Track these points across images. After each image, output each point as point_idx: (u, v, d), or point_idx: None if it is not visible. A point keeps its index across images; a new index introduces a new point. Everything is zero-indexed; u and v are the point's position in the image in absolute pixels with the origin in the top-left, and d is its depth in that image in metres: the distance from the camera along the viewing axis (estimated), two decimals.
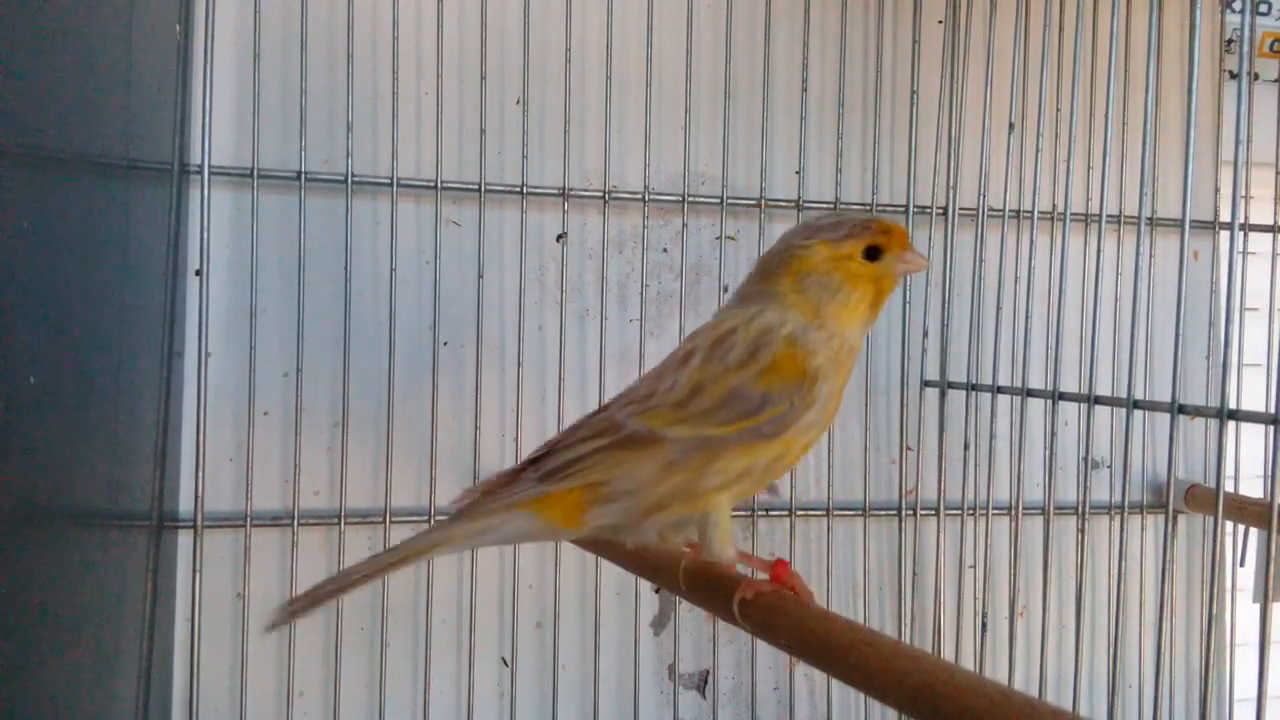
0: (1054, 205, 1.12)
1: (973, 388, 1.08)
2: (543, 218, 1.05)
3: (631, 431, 0.57)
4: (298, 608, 0.60)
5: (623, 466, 0.57)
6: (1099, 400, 0.91)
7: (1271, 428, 0.77)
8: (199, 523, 0.93)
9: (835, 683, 1.06)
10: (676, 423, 0.57)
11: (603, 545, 0.79)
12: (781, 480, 1.08)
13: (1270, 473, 0.76)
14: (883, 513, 1.13)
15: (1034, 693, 0.90)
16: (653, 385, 0.60)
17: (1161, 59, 1.18)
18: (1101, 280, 0.96)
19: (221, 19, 0.95)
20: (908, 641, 1.07)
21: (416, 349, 1.01)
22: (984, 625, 1.08)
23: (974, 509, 1.10)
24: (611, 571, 1.01)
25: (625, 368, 1.06)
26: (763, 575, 0.60)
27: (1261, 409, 0.80)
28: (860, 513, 1.12)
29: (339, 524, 0.97)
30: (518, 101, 1.04)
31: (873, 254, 0.59)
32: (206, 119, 0.92)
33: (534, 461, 0.61)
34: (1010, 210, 1.08)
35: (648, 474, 0.57)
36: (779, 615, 0.58)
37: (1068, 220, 0.99)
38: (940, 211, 1.13)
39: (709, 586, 0.63)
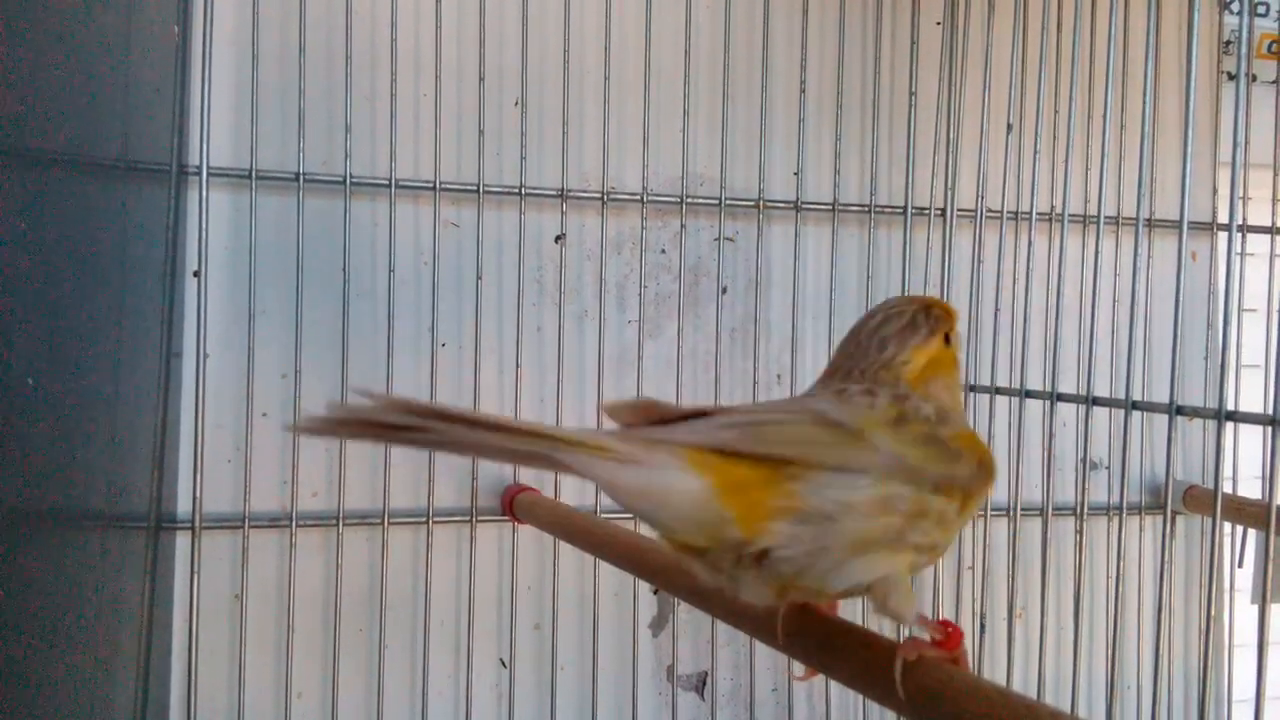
0: (1052, 206, 1.12)
1: (971, 389, 1.08)
2: (541, 219, 1.05)
3: (836, 419, 0.49)
4: (346, 419, 0.41)
5: (830, 450, 0.48)
6: (1097, 401, 0.91)
7: (1269, 429, 0.76)
8: (197, 524, 0.93)
9: (834, 684, 1.06)
10: (887, 433, 0.50)
11: (603, 547, 0.79)
12: None
13: (1268, 474, 0.76)
14: None
15: (1032, 694, 0.90)
16: (836, 399, 0.52)
17: (1159, 60, 1.19)
18: (1099, 281, 0.96)
19: (220, 20, 0.95)
20: None
21: (415, 350, 1.01)
22: (982, 626, 1.08)
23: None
24: (610, 573, 1.01)
25: (624, 369, 1.06)
26: (925, 636, 0.51)
27: (1260, 410, 0.80)
28: None
29: (338, 525, 0.97)
30: (516, 103, 1.04)
31: (946, 338, 0.57)
32: (205, 120, 0.92)
33: (699, 417, 0.48)
34: (1008, 211, 1.08)
35: (864, 497, 0.48)
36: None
37: (1066, 221, 0.99)
38: (938, 212, 1.13)
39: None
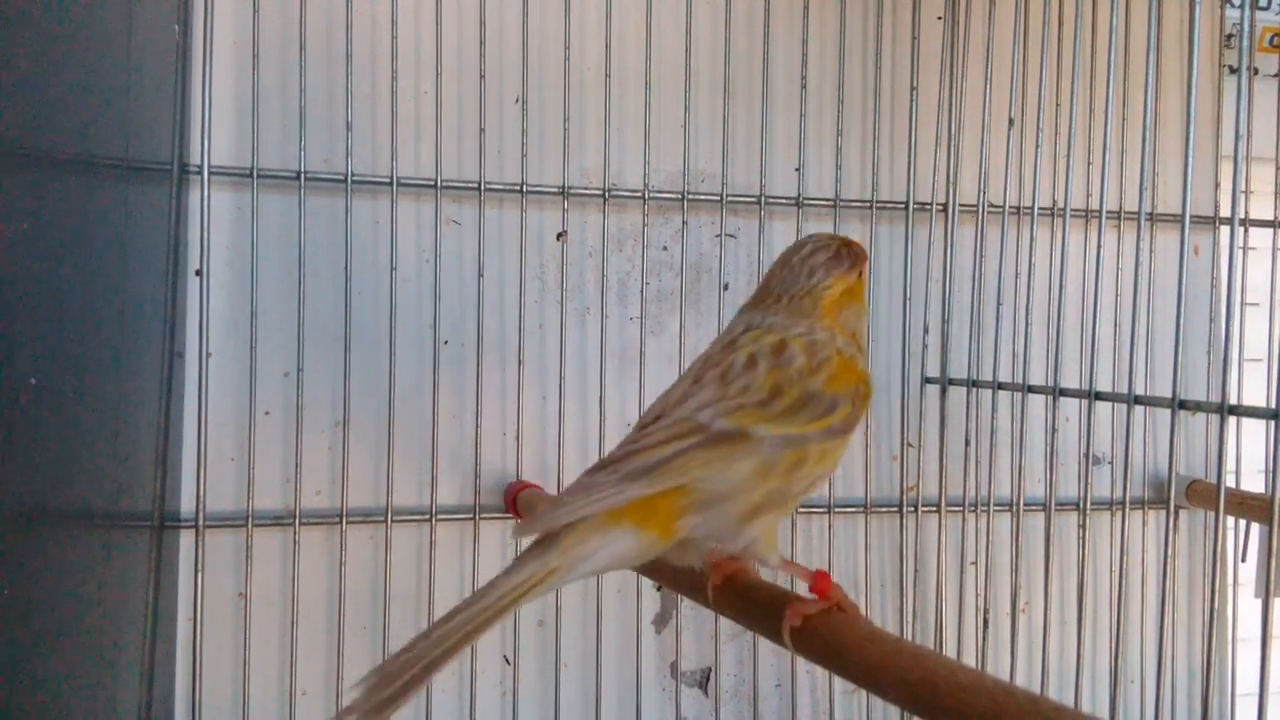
0: (1054, 201, 1.12)
1: (973, 384, 1.08)
2: (543, 216, 1.05)
3: (721, 430, 0.57)
4: (391, 696, 0.49)
5: (714, 465, 0.57)
6: (1100, 396, 0.91)
7: (1272, 423, 0.76)
8: (200, 523, 0.93)
9: (837, 679, 1.06)
10: (764, 421, 0.58)
11: None
12: None
13: (1272, 467, 0.76)
14: (884, 510, 1.13)
15: (1036, 689, 0.90)
16: (723, 390, 0.60)
17: (1161, 54, 1.18)
18: (1102, 276, 0.96)
19: (220, 19, 0.95)
20: (909, 638, 1.07)
21: (417, 348, 1.01)
22: (986, 621, 1.08)
23: (975, 505, 1.10)
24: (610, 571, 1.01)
25: (625, 366, 1.06)
26: (803, 585, 0.60)
27: (1262, 404, 0.80)
28: (862, 510, 1.12)
29: (340, 523, 0.97)
30: (517, 100, 1.04)
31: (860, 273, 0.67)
32: (206, 119, 0.92)
33: (604, 468, 0.57)
34: (1010, 206, 1.08)
35: (744, 476, 0.57)
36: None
37: (1068, 216, 0.99)
38: (940, 208, 1.13)
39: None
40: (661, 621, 1.09)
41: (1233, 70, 1.24)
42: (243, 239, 0.97)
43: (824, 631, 0.56)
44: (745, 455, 0.57)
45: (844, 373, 0.61)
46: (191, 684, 0.93)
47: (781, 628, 0.58)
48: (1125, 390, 0.89)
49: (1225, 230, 1.21)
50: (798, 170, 1.10)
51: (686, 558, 0.61)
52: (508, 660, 1.03)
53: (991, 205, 1.09)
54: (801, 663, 1.09)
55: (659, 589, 1.08)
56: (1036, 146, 1.00)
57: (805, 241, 0.67)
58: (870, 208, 1.11)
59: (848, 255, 0.66)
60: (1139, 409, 0.90)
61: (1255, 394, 1.17)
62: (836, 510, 1.11)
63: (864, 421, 1.12)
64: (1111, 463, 1.19)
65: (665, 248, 1.09)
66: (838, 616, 0.57)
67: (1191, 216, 0.83)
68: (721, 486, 0.57)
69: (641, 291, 1.06)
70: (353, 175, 0.97)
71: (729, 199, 1.07)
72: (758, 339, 0.62)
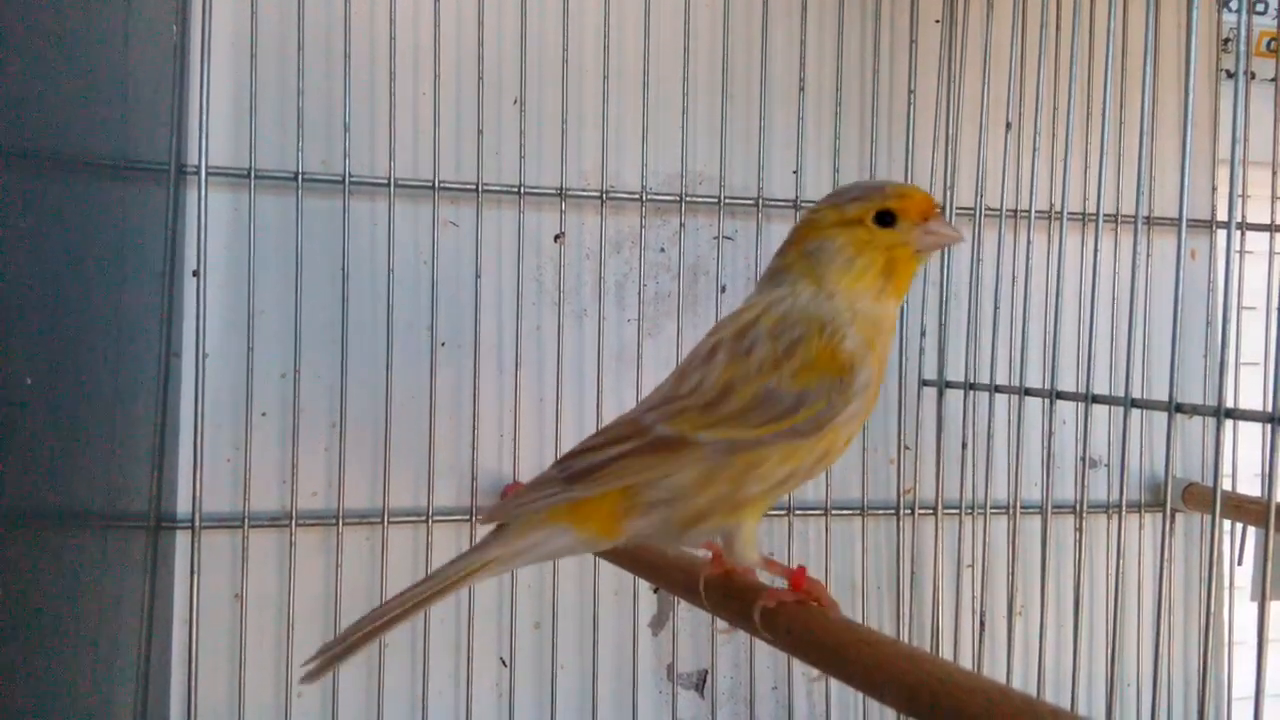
0: (1051, 204, 1.13)
1: (970, 387, 1.08)
2: (540, 218, 1.05)
3: (659, 436, 0.55)
4: (337, 654, 0.57)
5: (653, 470, 0.55)
6: (1096, 399, 0.92)
7: (1269, 426, 0.77)
8: (197, 523, 0.93)
9: (834, 682, 1.06)
10: (706, 426, 0.54)
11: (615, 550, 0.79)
12: None
13: (1268, 471, 0.76)
14: (881, 512, 1.13)
15: (1032, 691, 0.90)
16: (676, 385, 0.57)
17: (1158, 58, 1.19)
18: (1099, 279, 0.96)
19: (218, 19, 0.95)
20: (906, 640, 1.07)
21: (414, 349, 1.01)
22: (982, 624, 1.08)
23: (972, 508, 1.10)
24: (610, 572, 1.01)
25: (623, 367, 1.06)
26: (783, 583, 0.59)
27: (1259, 407, 0.80)
28: (858, 512, 1.12)
29: (337, 524, 0.97)
30: (515, 102, 1.04)
31: (885, 219, 0.57)
32: (203, 120, 0.92)
33: (557, 464, 0.58)
34: (1007, 209, 1.08)
35: (687, 481, 0.55)
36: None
37: (1065, 219, 0.99)
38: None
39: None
40: (658, 624, 1.09)
41: (1230, 74, 1.24)
42: (240, 240, 0.97)
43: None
44: (685, 463, 0.54)
45: (820, 361, 0.54)
46: (187, 685, 0.92)
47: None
48: (1122, 393, 0.89)
49: (1222, 234, 1.21)
50: (795, 173, 1.10)
51: (678, 545, 0.61)
52: (504, 662, 1.03)
53: (989, 208, 1.09)
54: (798, 665, 1.09)
55: (656, 591, 1.08)
56: (1034, 150, 1.00)
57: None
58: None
59: (864, 188, 0.57)
60: (1135, 412, 0.90)
61: (1251, 397, 1.17)
62: (833, 512, 1.11)
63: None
64: (1108, 466, 1.19)
65: (663, 250, 1.09)
66: (811, 608, 0.57)
67: (1188, 220, 0.83)
68: (662, 493, 0.55)
69: (639, 293, 1.06)
70: (350, 176, 0.97)
71: (727, 201, 1.07)
72: (736, 317, 0.58)
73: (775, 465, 0.54)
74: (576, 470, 0.56)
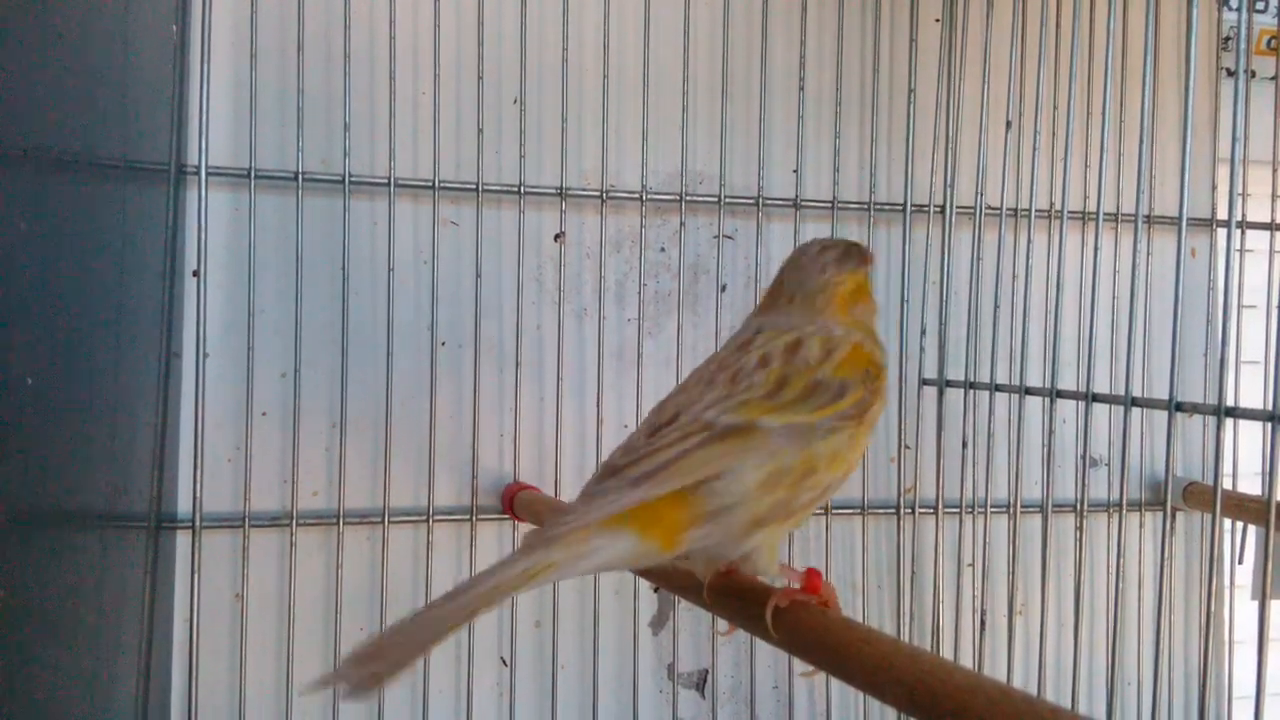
0: (1051, 203, 1.12)
1: (971, 386, 1.08)
2: (540, 217, 1.05)
3: (727, 424, 0.57)
4: (382, 672, 0.50)
5: (721, 462, 0.56)
6: (1097, 398, 0.91)
7: (1269, 425, 0.77)
8: (197, 523, 0.93)
9: (834, 681, 1.06)
10: (769, 412, 0.57)
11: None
12: None
13: (1268, 470, 0.76)
14: (881, 511, 1.14)
15: (1033, 691, 0.90)
16: (731, 388, 0.60)
17: (1158, 56, 1.19)
18: (1099, 278, 0.96)
19: (218, 19, 0.95)
20: (907, 639, 1.07)
21: (414, 349, 1.01)
22: (983, 623, 1.08)
23: (972, 507, 1.10)
24: (610, 571, 1.01)
25: (623, 367, 1.06)
26: (796, 585, 0.60)
27: (1259, 406, 0.80)
28: (859, 511, 1.12)
29: (338, 524, 0.97)
30: (515, 101, 1.04)
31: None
32: (203, 119, 0.92)
33: (614, 474, 0.57)
34: (1008, 208, 1.08)
35: (752, 484, 0.56)
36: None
37: (1065, 218, 0.99)
38: (938, 210, 1.13)
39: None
40: (659, 623, 1.09)
41: (1230, 72, 1.24)
42: (240, 240, 0.97)
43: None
44: (754, 451, 0.56)
45: (854, 357, 0.61)
46: (188, 685, 0.92)
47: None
48: (1122, 392, 0.89)
49: (1222, 233, 1.21)
50: (795, 172, 1.10)
51: (692, 566, 0.62)
52: (505, 662, 1.03)
53: (989, 207, 1.09)
54: (798, 664, 1.09)
55: (656, 590, 1.08)
56: (1034, 148, 1.00)
57: (812, 243, 0.68)
58: (868, 209, 1.11)
59: (856, 254, 0.67)
60: (1136, 411, 0.90)
61: (1252, 396, 1.17)
62: (834, 512, 1.11)
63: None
64: (1109, 465, 1.19)
65: (663, 249, 1.09)
66: (812, 607, 0.58)
67: (1189, 219, 0.83)
68: (727, 498, 0.56)
69: (639, 293, 1.06)
70: (350, 176, 0.97)
71: (727, 200, 1.07)
72: (771, 339, 0.62)
73: (824, 470, 0.58)
74: (640, 474, 0.56)
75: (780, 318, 0.65)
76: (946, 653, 1.09)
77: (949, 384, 1.11)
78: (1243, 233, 1.16)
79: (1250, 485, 1.17)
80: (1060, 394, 0.95)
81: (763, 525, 0.57)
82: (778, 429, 0.57)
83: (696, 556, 0.60)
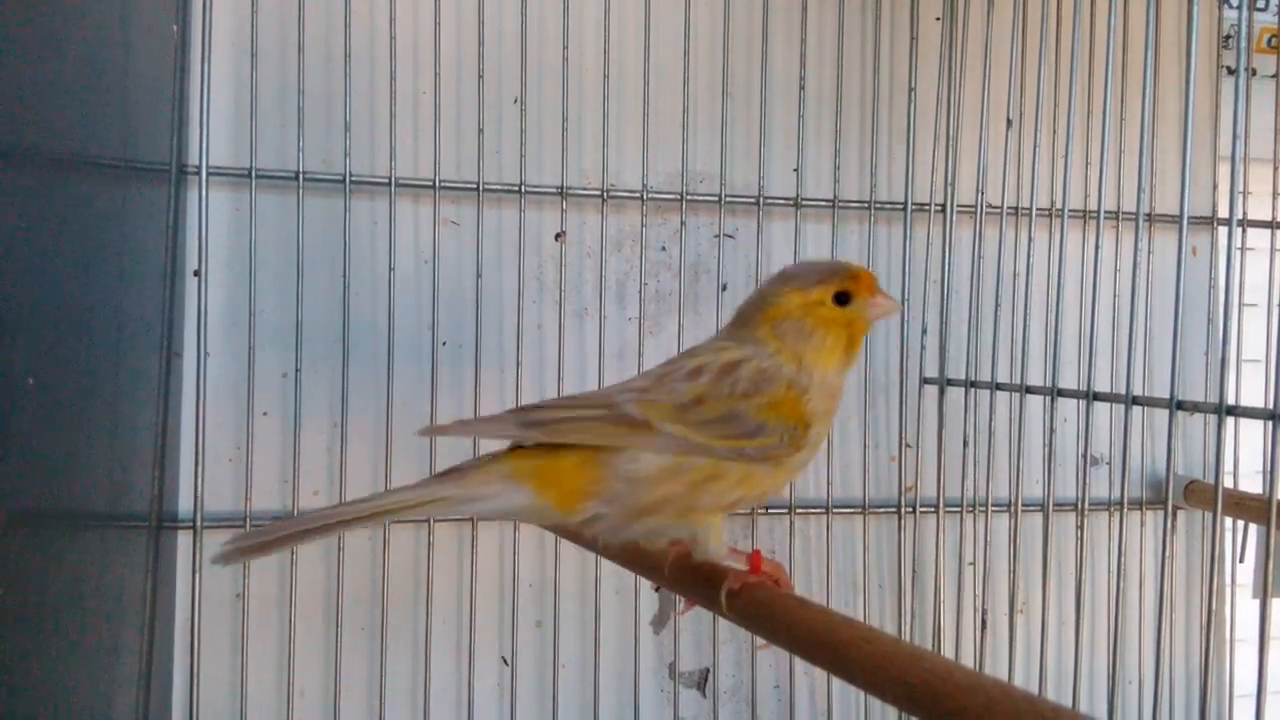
0: (1052, 201, 1.12)
1: (972, 384, 1.08)
2: (541, 217, 1.05)
3: (626, 413, 0.59)
4: (248, 546, 0.56)
5: (609, 439, 0.58)
6: (1098, 396, 0.91)
7: (1270, 423, 0.77)
8: (198, 523, 0.93)
9: (836, 681, 1.06)
10: (670, 420, 0.59)
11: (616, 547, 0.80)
12: None
13: (1269, 468, 0.76)
14: (882, 510, 1.13)
15: (1034, 689, 0.90)
16: (654, 385, 0.61)
17: (1159, 55, 1.19)
18: (1100, 276, 0.96)
19: (219, 19, 0.95)
20: (908, 639, 1.07)
21: (415, 348, 1.01)
22: (984, 622, 1.08)
23: (973, 506, 1.10)
24: (611, 570, 1.01)
25: (624, 366, 1.06)
26: (743, 568, 0.62)
27: (1260, 404, 0.80)
28: (860, 510, 1.12)
29: None
30: (516, 101, 1.04)
31: (842, 299, 0.63)
32: (204, 119, 0.92)
33: (519, 412, 0.61)
34: (1008, 207, 1.08)
35: (651, 470, 0.58)
36: (762, 606, 0.60)
37: (1065, 216, 0.99)
38: (938, 208, 1.13)
39: (695, 579, 0.64)
40: (660, 622, 1.09)
41: (1231, 71, 1.24)
42: (241, 239, 0.97)
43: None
44: (645, 444, 0.58)
45: (784, 405, 0.60)
46: (189, 685, 0.92)
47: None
48: (1123, 391, 0.89)
49: (1223, 231, 1.20)
50: (796, 171, 1.10)
51: (624, 536, 0.63)
52: (506, 661, 1.03)
53: (990, 206, 1.09)
54: (799, 664, 1.09)
55: (657, 590, 1.08)
56: (1035, 147, 1.00)
57: (815, 259, 0.66)
58: (868, 208, 1.11)
59: (818, 275, 0.63)
60: (1137, 409, 0.90)
61: (1253, 395, 1.17)
62: (835, 511, 1.11)
63: (862, 421, 1.12)
64: (1109, 463, 1.19)
65: (664, 248, 1.09)
66: (770, 589, 0.60)
67: (1189, 217, 0.83)
68: (623, 477, 0.58)
69: (640, 292, 1.06)
70: (351, 176, 0.97)
71: (727, 199, 1.07)
72: (715, 353, 0.62)
73: (732, 485, 0.59)
74: (536, 419, 0.59)
75: (733, 330, 0.65)
76: (947, 652, 1.09)
77: (950, 383, 1.11)
78: (1244, 231, 1.16)
79: (1251, 484, 1.17)
80: (1061, 393, 0.95)
81: (655, 514, 0.59)
82: (669, 436, 0.58)
83: (600, 531, 0.61)
